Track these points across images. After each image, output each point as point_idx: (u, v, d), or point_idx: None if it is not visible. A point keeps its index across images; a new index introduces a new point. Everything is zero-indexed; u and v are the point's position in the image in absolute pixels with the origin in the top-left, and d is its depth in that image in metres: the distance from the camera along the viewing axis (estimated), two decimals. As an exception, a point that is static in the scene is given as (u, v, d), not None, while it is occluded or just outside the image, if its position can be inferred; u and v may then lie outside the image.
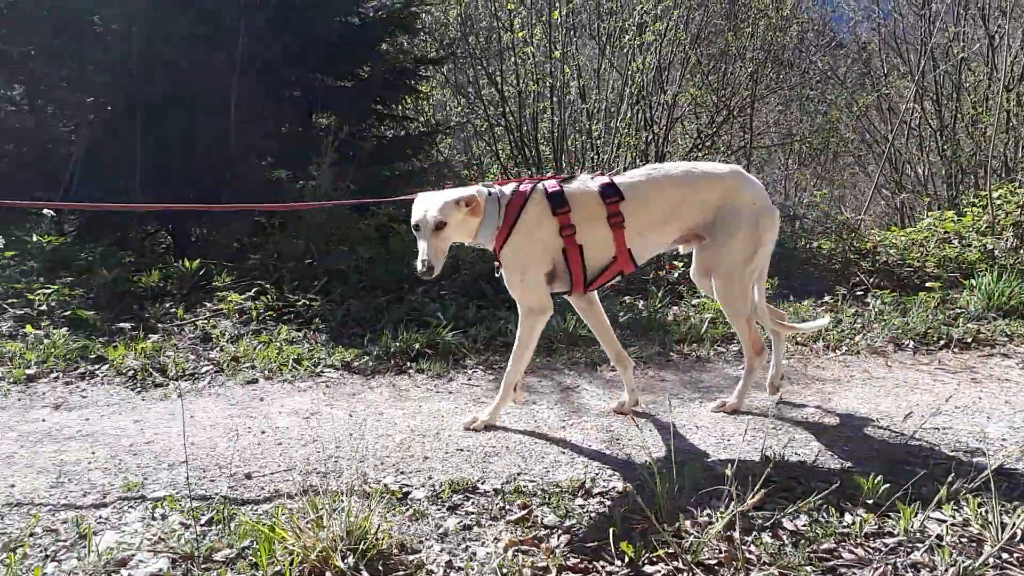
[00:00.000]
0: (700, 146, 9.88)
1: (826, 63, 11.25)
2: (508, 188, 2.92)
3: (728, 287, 3.00)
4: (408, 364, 3.98)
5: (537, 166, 9.15)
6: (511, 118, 9.32)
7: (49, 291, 4.64)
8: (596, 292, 3.12)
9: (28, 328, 4.26)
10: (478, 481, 2.64)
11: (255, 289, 4.80)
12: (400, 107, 9.06)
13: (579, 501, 2.50)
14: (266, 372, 3.84)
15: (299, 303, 4.74)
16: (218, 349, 4.16)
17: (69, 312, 4.56)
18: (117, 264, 5.14)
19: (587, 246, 2.87)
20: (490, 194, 2.90)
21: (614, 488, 2.59)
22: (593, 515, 2.39)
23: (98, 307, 4.70)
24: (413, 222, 2.80)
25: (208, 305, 4.77)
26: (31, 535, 2.28)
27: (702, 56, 9.89)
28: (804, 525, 2.29)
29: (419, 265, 2.73)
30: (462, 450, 2.93)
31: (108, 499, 2.54)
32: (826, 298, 5.40)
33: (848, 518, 2.33)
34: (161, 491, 2.57)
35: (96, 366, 3.90)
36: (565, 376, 3.91)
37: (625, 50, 8.86)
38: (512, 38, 8.91)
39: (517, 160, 9.37)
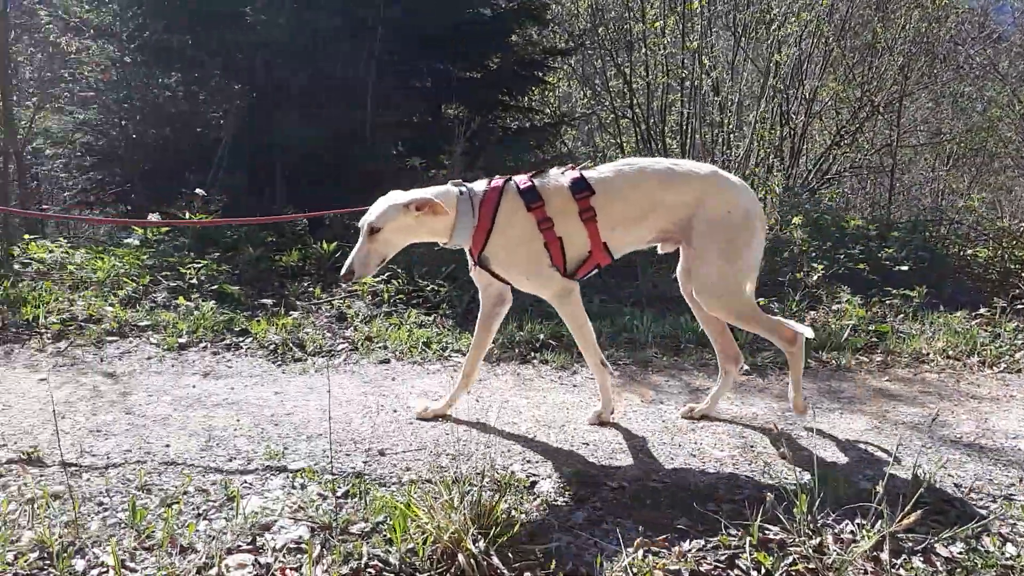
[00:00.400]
0: (840, 143, 9.39)
1: (985, 57, 10.41)
2: (480, 186, 2.88)
3: (725, 305, 2.85)
4: (532, 354, 3.98)
5: (664, 160, 8.97)
6: (638, 110, 9.18)
7: (199, 266, 4.95)
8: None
9: (180, 300, 4.56)
10: (605, 477, 2.60)
11: (387, 273, 4.95)
12: (526, 98, 9.10)
13: (711, 506, 2.42)
14: (397, 353, 3.95)
15: (427, 288, 4.85)
16: (352, 328, 4.31)
17: (216, 286, 4.85)
18: (260, 243, 5.43)
19: (565, 240, 2.82)
20: (461, 193, 2.85)
21: (749, 496, 2.48)
22: (727, 522, 2.31)
23: (242, 283, 4.98)
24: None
25: (343, 286, 4.95)
26: (185, 493, 2.44)
27: (846, 49, 9.37)
28: (960, 553, 2.12)
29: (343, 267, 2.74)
30: (588, 444, 2.90)
31: (252, 466, 2.67)
32: (982, 310, 5.00)
33: (1011, 549, 2.14)
34: (301, 462, 2.68)
35: (240, 338, 4.12)
36: (694, 377, 3.81)
37: (763, 42, 8.52)
38: (644, 28, 8.76)
39: (642, 153, 9.21)
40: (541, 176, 2.89)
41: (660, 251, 3.10)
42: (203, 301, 4.60)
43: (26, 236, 5.60)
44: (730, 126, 8.51)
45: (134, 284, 4.83)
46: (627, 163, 2.93)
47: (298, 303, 4.74)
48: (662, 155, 9.05)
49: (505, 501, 2.19)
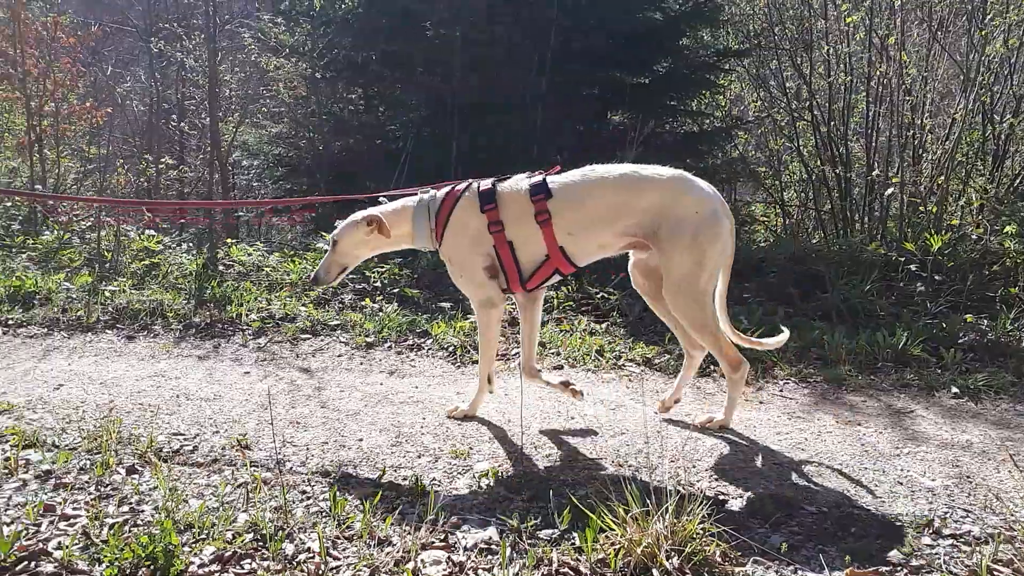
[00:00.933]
0: (1054, 144, 8.37)
1: None
2: (442, 192, 2.99)
3: (680, 301, 2.79)
4: (713, 367, 3.83)
5: (845, 164, 8.42)
6: (817, 112, 8.66)
7: (382, 270, 5.20)
8: (542, 293, 3.13)
9: (367, 301, 4.80)
10: (802, 500, 2.44)
11: (558, 280, 4.96)
12: (696, 102, 8.86)
13: (926, 540, 2.20)
14: (570, 360, 3.93)
15: (597, 296, 4.80)
16: (525, 334, 4.35)
17: (398, 289, 5.07)
18: (436, 249, 5.62)
19: (517, 243, 2.84)
20: (421, 206, 3.00)
21: (970, 532, 2.24)
22: (946, 558, 2.09)
23: (421, 286, 5.17)
24: None
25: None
26: (378, 486, 2.54)
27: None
28: None
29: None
30: (779, 464, 2.74)
31: (439, 464, 2.74)
32: None
33: None
34: (485, 463, 2.72)
35: (422, 339, 4.27)
36: (894, 398, 3.51)
37: (962, 36, 7.79)
38: (827, 25, 8.26)
39: (822, 157, 8.70)
40: (504, 180, 2.93)
41: (632, 258, 3.07)
42: (387, 303, 4.82)
43: (228, 240, 6.13)
44: (925, 127, 7.83)
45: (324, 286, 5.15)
46: (590, 169, 2.86)
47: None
48: (843, 159, 8.51)
49: (698, 519, 2.10)
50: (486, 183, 2.94)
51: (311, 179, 8.22)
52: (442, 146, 7.47)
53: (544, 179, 2.86)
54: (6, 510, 2.36)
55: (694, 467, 2.69)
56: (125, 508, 2.40)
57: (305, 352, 4.17)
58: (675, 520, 2.06)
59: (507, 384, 3.66)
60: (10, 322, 4.56)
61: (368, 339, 4.27)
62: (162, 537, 2.12)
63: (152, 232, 6.10)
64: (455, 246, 2.95)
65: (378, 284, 5.16)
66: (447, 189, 3.02)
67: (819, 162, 8.79)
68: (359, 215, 3.08)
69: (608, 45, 7.53)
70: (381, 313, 4.60)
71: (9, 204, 7.53)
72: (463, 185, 2.99)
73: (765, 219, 9.38)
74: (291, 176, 8.37)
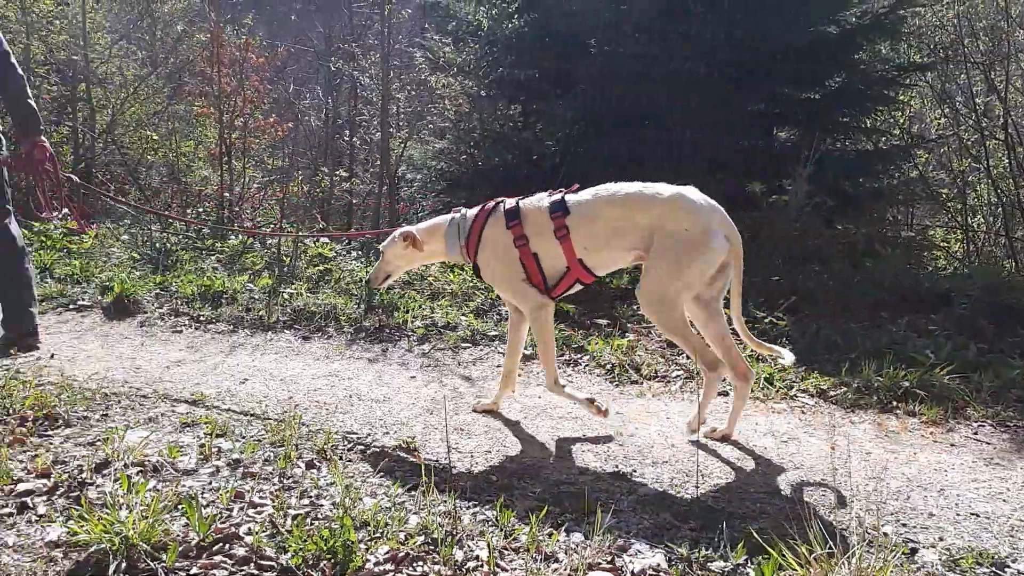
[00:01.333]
0: None
1: None
2: (472, 211, 3.24)
3: (651, 307, 2.93)
4: (894, 403, 3.55)
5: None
6: (1012, 131, 7.92)
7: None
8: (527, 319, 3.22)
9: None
10: (1007, 557, 2.20)
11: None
12: (871, 119, 8.33)
13: None
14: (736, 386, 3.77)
15: (764, 320, 4.60)
16: (684, 356, 4.23)
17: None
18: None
19: (541, 255, 3.05)
20: (453, 224, 3.26)
21: None
22: None
23: (575, 301, 5.15)
24: None
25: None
26: (542, 501, 2.54)
27: None
28: None
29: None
30: (977, 515, 2.49)
31: (601, 483, 2.70)
32: None
33: None
34: (649, 486, 2.66)
35: (578, 355, 4.26)
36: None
37: None
38: (1026, 36, 7.56)
39: (1016, 180, 7.93)
40: (527, 198, 3.15)
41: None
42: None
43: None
44: None
45: (483, 297, 5.27)
46: (604, 188, 3.02)
47: (628, 325, 4.78)
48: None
49: (889, 567, 1.94)
50: (511, 202, 3.18)
51: (470, 194, 8.44)
52: (596, 162, 7.45)
53: (563, 197, 3.05)
54: (202, 493, 2.56)
55: (880, 509, 2.49)
56: (306, 501, 2.53)
57: (466, 360, 4.26)
58: (862, 567, 1.91)
59: (669, 408, 3.56)
60: (202, 318, 4.98)
61: (526, 352, 4.30)
62: (341, 533, 2.21)
63: (326, 240, 6.50)
64: (489, 260, 3.17)
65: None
66: (477, 209, 3.25)
67: (1013, 185, 8.03)
68: (398, 231, 3.41)
69: (775, 59, 7.24)
70: (538, 327, 4.63)
71: (201, 210, 8.28)
72: (492, 204, 3.22)
73: (945, 244, 8.67)
74: (451, 190, 8.64)
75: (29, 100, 4.09)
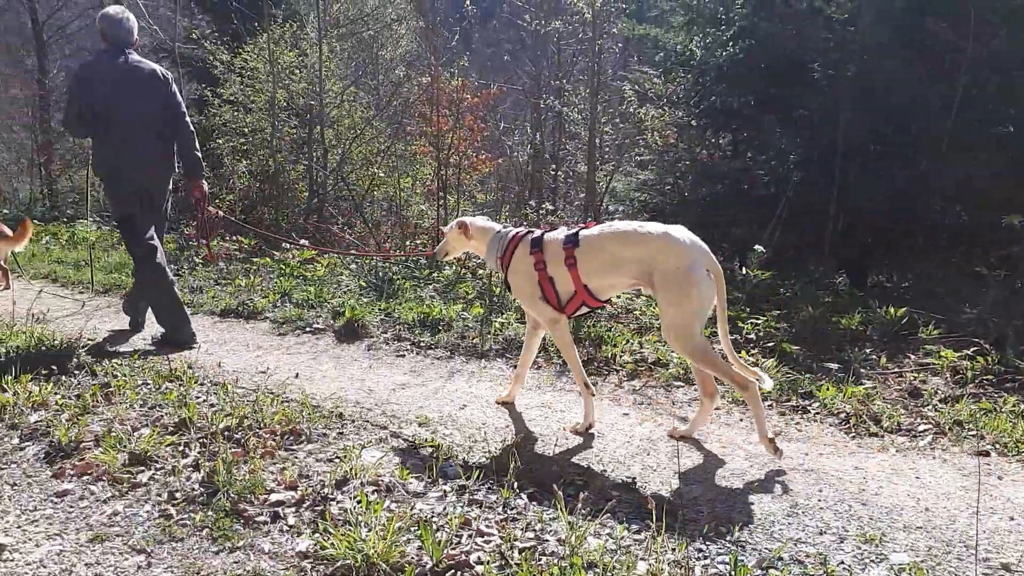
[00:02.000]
0: None
1: None
2: (512, 232, 3.72)
3: (675, 341, 3.22)
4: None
5: None
6: None
7: (758, 322, 4.96)
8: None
9: (741, 354, 4.61)
10: None
11: (972, 348, 4.27)
12: None
13: None
14: (998, 445, 3.32)
15: (1027, 370, 4.02)
16: (931, 407, 3.80)
17: (773, 343, 4.78)
18: (816, 302, 5.22)
19: (556, 279, 3.47)
20: (497, 234, 3.76)
21: None
22: None
23: (799, 342, 4.82)
24: None
25: (913, 357, 4.44)
26: (779, 559, 2.34)
27: None
28: None
29: None
30: None
31: (845, 545, 2.45)
32: None
33: None
34: (903, 554, 2.38)
35: (806, 401, 3.96)
36: None
37: None
38: None
39: None
40: (550, 231, 3.62)
41: (643, 292, 3.70)
42: (762, 357, 4.58)
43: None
44: None
45: (694, 333, 5.09)
46: (608, 225, 3.42)
47: (861, 370, 4.38)
48: None
49: None
50: (538, 232, 3.64)
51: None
52: (820, 191, 7.01)
53: (578, 232, 3.47)
54: (433, 517, 2.63)
55: None
56: (531, 534, 2.52)
57: (680, 400, 4.11)
58: None
59: (918, 466, 3.19)
60: (421, 344, 5.23)
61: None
62: (571, 573, 2.17)
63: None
64: (515, 277, 3.63)
65: (752, 336, 4.94)
66: (513, 233, 3.72)
67: None
68: (465, 218, 3.95)
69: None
70: (757, 367, 4.37)
71: (419, 242, 8.79)
72: (524, 232, 3.70)
73: None
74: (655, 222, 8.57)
75: (195, 151, 5.06)
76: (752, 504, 2.78)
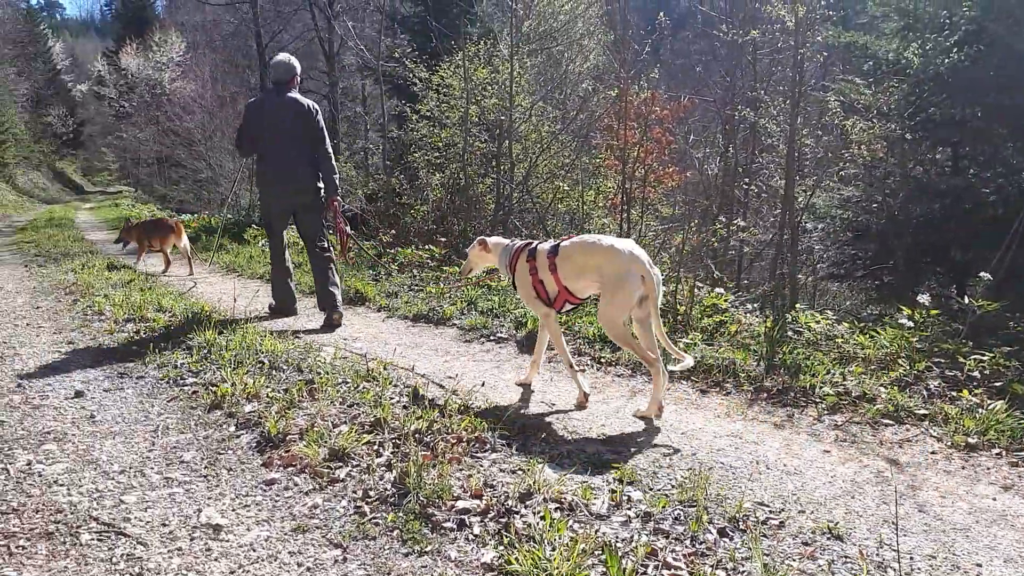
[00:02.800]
0: None
1: None
2: (515, 245, 4.48)
3: (609, 327, 4.03)
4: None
5: None
6: None
7: (983, 359, 4.42)
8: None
9: (963, 393, 4.12)
10: None
11: None
12: None
13: None
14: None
15: None
16: None
17: (1001, 383, 4.23)
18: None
19: (544, 282, 4.23)
20: (506, 247, 4.53)
21: None
22: None
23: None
24: None
25: None
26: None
27: None
28: None
29: None
30: None
31: None
32: None
33: None
34: None
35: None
36: None
37: None
38: None
39: None
40: (543, 243, 4.31)
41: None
42: (988, 398, 4.06)
43: (797, 306, 5.98)
44: None
45: (905, 367, 4.61)
46: (579, 238, 4.17)
47: None
48: None
49: None
50: (533, 244, 4.35)
51: (882, 246, 7.62)
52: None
53: (558, 244, 4.17)
54: (616, 542, 2.55)
55: None
56: (721, 572, 2.37)
57: (889, 440, 3.73)
58: None
59: None
60: (602, 360, 5.16)
61: (969, 439, 3.62)
62: (770, 623, 2.01)
63: (720, 291, 6.34)
64: (518, 281, 4.35)
65: (975, 373, 4.39)
66: (517, 245, 4.46)
67: None
68: (481, 238, 4.73)
69: None
70: (982, 410, 3.87)
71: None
72: (523, 244, 4.41)
73: None
74: (858, 242, 7.92)
75: (333, 175, 6.16)
76: (979, 566, 2.44)
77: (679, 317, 5.98)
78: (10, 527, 2.64)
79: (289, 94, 6.09)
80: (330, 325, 6.17)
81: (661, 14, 10.61)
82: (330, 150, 6.13)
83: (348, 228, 6.74)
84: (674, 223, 9.93)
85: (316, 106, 6.12)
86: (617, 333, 4.00)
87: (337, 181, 6.19)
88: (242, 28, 29.42)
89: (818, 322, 5.64)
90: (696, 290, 6.33)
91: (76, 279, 8.15)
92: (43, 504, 2.82)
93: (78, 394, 4.19)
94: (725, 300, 6.32)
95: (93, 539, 2.57)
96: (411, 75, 14.82)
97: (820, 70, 11.82)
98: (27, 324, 6.04)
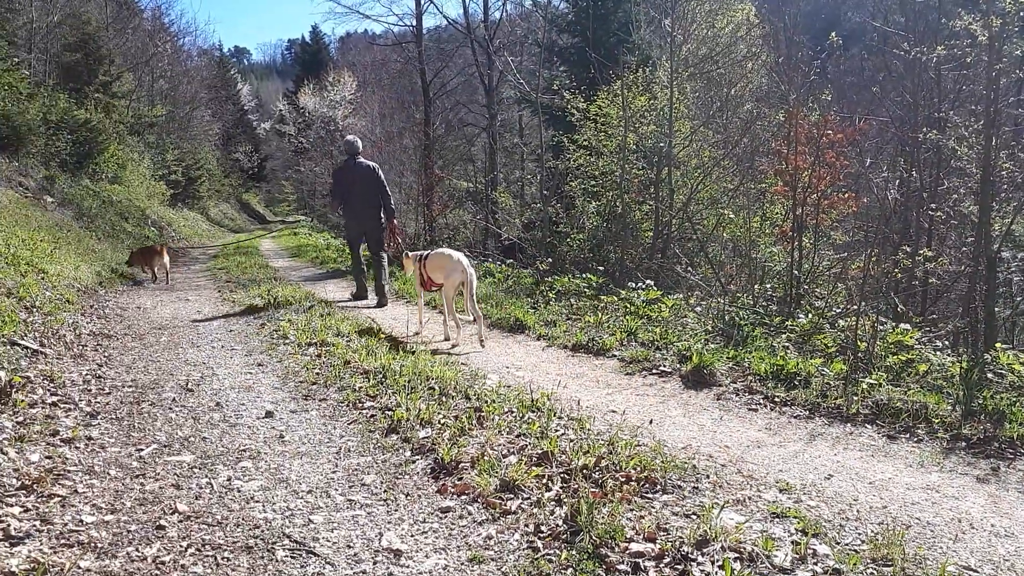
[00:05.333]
0: None
1: None
2: (419, 254, 7.34)
3: (446, 298, 6.81)
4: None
5: None
6: None
7: None
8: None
9: None
10: None
11: None
12: None
13: None
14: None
15: None
16: None
17: None
18: None
19: (424, 275, 7.11)
20: (416, 255, 7.40)
21: None
22: None
23: None
24: None
25: None
26: None
27: None
28: None
29: None
30: None
31: None
32: None
33: None
34: None
35: None
36: None
37: None
38: None
39: None
40: (422, 253, 7.39)
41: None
42: None
43: (997, 345, 5.42)
44: None
45: None
46: (437, 251, 7.25)
47: None
48: None
49: None
50: (423, 253, 7.31)
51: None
52: None
53: (428, 253, 7.19)
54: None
55: None
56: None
57: (1123, 505, 3.27)
58: None
59: None
60: (776, 399, 4.90)
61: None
62: None
63: (907, 327, 5.87)
64: (414, 276, 7.37)
65: None
66: (418, 254, 7.35)
67: None
68: (408, 252, 7.92)
69: None
70: None
71: (768, 286, 8.37)
72: (417, 254, 7.33)
73: None
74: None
75: (391, 207, 9.30)
76: None
77: (859, 354, 5.59)
78: (216, 539, 2.87)
79: (359, 161, 9.27)
80: (380, 305, 9.10)
81: (833, 34, 10.08)
82: (388, 192, 9.30)
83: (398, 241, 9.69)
84: (850, 252, 9.32)
85: (377, 166, 9.37)
86: (449, 303, 6.82)
87: (392, 206, 9.31)
88: (408, 67, 31.10)
89: (1023, 363, 5.08)
90: (879, 325, 5.89)
91: (263, 303, 8.85)
92: (242, 519, 3.05)
93: (268, 414, 4.51)
94: (911, 337, 5.85)
95: (287, 556, 2.74)
96: (568, 105, 15.00)
97: (1015, 86, 10.77)
98: (222, 346, 6.62)
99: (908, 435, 4.21)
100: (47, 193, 13.92)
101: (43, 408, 4.39)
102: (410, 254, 7.56)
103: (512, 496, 3.23)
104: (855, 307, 6.35)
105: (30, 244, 9.10)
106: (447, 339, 7.00)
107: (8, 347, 5.34)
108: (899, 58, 11.51)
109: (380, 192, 9.16)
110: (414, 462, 3.69)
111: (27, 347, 5.55)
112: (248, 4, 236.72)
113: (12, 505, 3.03)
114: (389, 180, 9.73)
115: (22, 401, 4.35)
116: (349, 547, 2.81)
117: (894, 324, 6.20)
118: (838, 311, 6.83)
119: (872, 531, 2.94)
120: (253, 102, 64.87)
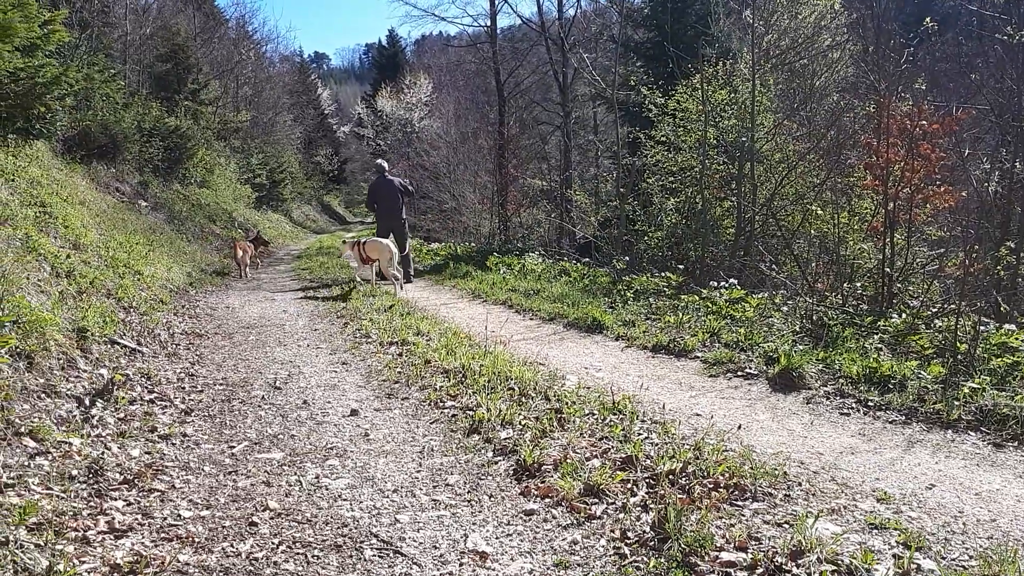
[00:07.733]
0: None
1: None
2: (353, 242, 10.94)
3: (384, 270, 10.26)
4: None
5: None
6: None
7: None
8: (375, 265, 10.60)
9: None
10: None
11: None
12: None
13: None
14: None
15: None
16: None
17: None
18: None
19: (363, 255, 10.53)
20: (353, 240, 11.09)
21: None
22: None
23: None
24: None
25: None
26: None
27: None
28: None
29: None
30: None
31: None
32: None
33: None
34: None
35: None
36: None
37: None
38: None
39: None
40: (360, 239, 10.99)
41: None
42: None
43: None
44: None
45: None
46: (372, 239, 10.85)
47: None
48: None
49: None
50: (361, 239, 11.00)
51: None
52: None
53: (365, 241, 10.78)
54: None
55: None
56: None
57: None
58: None
59: None
60: (869, 403, 4.69)
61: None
62: None
63: (1012, 327, 5.52)
64: (353, 257, 10.78)
65: None
66: (354, 240, 10.97)
67: None
68: (345, 239, 12.09)
69: None
70: None
71: (857, 283, 8.04)
72: (354, 241, 10.92)
73: None
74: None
75: (410, 199, 13.82)
76: None
77: (959, 357, 5.29)
78: (306, 536, 2.93)
79: (388, 176, 12.23)
80: (408, 281, 11.38)
81: (928, 19, 9.60)
82: (411, 191, 12.91)
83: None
84: (947, 248, 8.85)
85: (404, 180, 12.95)
86: (385, 268, 10.11)
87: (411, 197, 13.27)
88: (482, 67, 31.25)
89: None
90: (980, 326, 5.56)
91: (347, 305, 9.05)
92: (331, 517, 3.11)
93: (353, 412, 4.61)
94: (1017, 338, 5.50)
95: (375, 555, 2.78)
96: (645, 101, 14.77)
97: None
98: (308, 345, 6.80)
99: (1017, 443, 3.96)
100: (141, 198, 14.60)
101: (141, 405, 4.59)
102: (347, 241, 11.13)
103: (596, 500, 3.19)
104: (953, 306, 6.01)
105: (127, 247, 9.57)
106: (395, 288, 10.39)
107: (109, 346, 5.62)
108: (999, 42, 10.87)
109: (405, 197, 12.48)
110: (496, 463, 3.69)
111: (126, 346, 5.83)
112: (327, 11, 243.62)
113: (116, 499, 3.18)
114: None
115: (123, 398, 4.56)
116: (435, 548, 2.83)
117: (997, 325, 5.85)
118: (934, 311, 6.49)
119: (981, 546, 2.78)
120: (333, 106, 66.51)
